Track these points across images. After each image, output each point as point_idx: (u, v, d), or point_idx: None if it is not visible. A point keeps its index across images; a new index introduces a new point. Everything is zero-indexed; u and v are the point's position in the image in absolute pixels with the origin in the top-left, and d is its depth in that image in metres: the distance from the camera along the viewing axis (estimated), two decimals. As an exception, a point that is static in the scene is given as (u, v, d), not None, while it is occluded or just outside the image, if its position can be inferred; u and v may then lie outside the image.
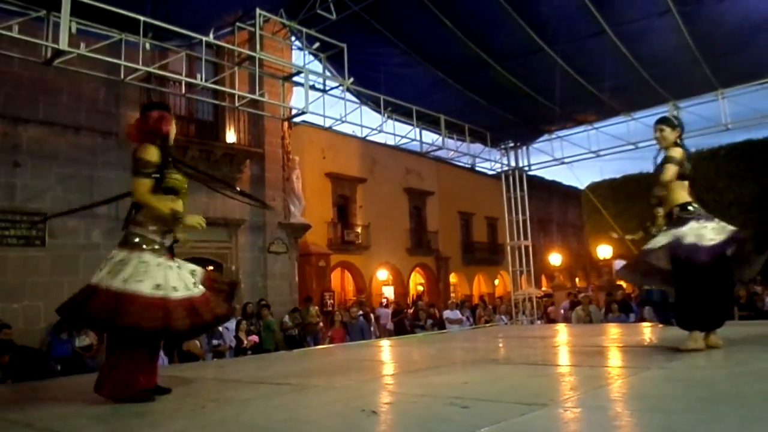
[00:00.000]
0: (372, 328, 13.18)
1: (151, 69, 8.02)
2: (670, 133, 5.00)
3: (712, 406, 2.72)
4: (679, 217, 4.79)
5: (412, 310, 15.08)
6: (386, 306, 16.49)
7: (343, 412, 3.00)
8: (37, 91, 10.27)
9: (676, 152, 4.83)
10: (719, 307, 4.71)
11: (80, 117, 10.84)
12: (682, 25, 9.04)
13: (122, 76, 7.91)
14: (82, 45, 7.15)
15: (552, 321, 14.01)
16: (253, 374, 4.99)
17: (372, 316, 14.04)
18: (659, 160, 5.00)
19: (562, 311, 14.21)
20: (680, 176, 4.83)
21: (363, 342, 9.72)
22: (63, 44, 6.63)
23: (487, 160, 14.30)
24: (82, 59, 7.41)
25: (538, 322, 14.02)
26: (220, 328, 9.83)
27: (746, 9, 8.69)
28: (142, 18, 7.40)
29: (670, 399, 3.05)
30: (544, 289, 23.13)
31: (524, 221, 14.21)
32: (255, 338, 10.21)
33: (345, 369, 5.12)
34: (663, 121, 5.14)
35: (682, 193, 4.86)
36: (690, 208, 4.79)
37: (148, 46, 7.82)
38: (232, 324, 10.43)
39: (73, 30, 6.92)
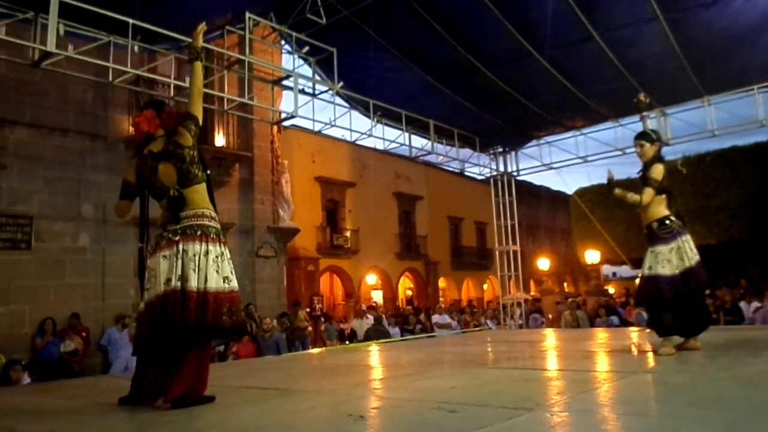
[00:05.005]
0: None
1: (139, 72, 8.00)
2: (649, 149, 5.13)
3: (697, 411, 2.74)
4: (657, 234, 4.93)
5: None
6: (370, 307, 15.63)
7: (330, 417, 2.99)
8: (24, 93, 10.17)
9: (657, 173, 4.94)
10: (689, 318, 4.88)
11: (68, 119, 10.74)
12: (669, 33, 9.13)
13: (110, 79, 7.87)
14: (70, 47, 7.12)
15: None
16: (239, 379, 4.96)
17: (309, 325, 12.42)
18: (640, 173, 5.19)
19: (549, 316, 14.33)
20: (659, 191, 4.97)
21: (351, 346, 9.70)
22: (51, 46, 6.59)
23: (476, 165, 14.39)
24: (70, 61, 7.37)
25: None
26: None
27: (732, 17, 8.79)
28: (131, 20, 7.36)
29: (655, 403, 3.07)
30: (532, 293, 23.18)
31: (513, 226, 14.26)
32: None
33: (333, 373, 5.11)
34: (642, 136, 5.25)
35: (659, 208, 5.00)
36: (667, 222, 4.93)
37: (136, 48, 7.80)
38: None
39: (61, 32, 6.89)
